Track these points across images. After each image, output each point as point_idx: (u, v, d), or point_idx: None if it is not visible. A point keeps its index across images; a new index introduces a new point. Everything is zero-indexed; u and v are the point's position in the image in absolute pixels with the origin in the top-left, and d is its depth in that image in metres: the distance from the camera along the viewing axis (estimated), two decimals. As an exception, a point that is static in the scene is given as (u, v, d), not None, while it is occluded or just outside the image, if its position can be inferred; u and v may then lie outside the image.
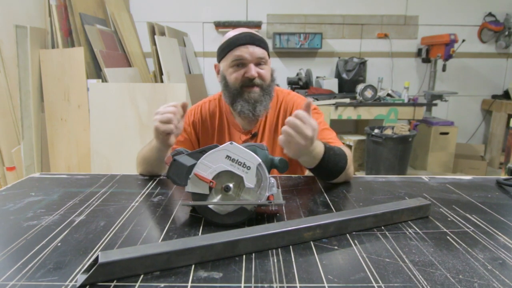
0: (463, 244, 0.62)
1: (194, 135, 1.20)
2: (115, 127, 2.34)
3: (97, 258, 0.50)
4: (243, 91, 1.08)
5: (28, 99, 2.42)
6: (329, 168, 0.89)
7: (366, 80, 3.45)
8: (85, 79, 2.43)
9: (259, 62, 1.07)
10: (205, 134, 1.20)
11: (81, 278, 0.50)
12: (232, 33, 1.08)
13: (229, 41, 1.07)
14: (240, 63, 1.06)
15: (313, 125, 0.79)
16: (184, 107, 0.94)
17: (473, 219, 0.73)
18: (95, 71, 2.65)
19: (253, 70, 1.05)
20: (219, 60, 1.12)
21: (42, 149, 2.55)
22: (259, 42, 1.06)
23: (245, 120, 1.14)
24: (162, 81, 2.60)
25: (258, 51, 1.05)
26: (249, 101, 1.08)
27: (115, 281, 0.51)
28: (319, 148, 0.85)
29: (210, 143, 1.18)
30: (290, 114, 1.14)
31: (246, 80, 1.06)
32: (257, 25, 3.47)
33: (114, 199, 0.83)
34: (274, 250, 0.59)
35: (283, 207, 0.78)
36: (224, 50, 1.08)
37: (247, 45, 1.04)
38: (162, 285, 0.50)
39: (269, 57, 1.13)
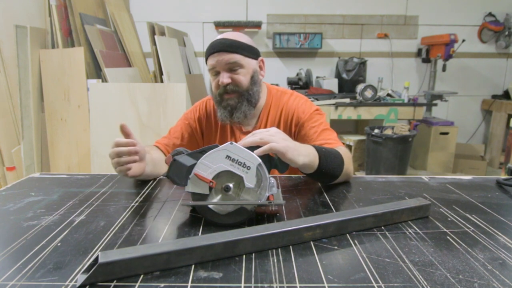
0: (463, 244, 0.62)
1: (199, 130, 1.20)
2: (115, 127, 2.32)
3: (97, 258, 0.50)
4: (222, 98, 1.08)
5: (28, 99, 2.42)
6: (327, 172, 0.87)
7: (366, 80, 3.45)
8: (85, 79, 2.44)
9: (231, 68, 1.05)
10: (209, 130, 1.20)
11: (81, 278, 0.50)
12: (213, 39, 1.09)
13: (206, 50, 1.08)
14: (215, 71, 1.07)
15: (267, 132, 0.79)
16: (122, 130, 0.89)
17: (473, 219, 0.73)
18: (95, 71, 2.65)
19: (223, 77, 1.05)
20: None
21: (42, 149, 2.55)
22: (229, 48, 1.04)
23: (245, 120, 1.14)
24: (162, 81, 2.61)
25: (227, 58, 1.04)
26: (226, 108, 1.08)
27: (115, 281, 0.51)
28: (312, 155, 0.83)
29: (213, 140, 1.19)
30: (291, 120, 1.14)
31: (222, 88, 1.07)
32: (257, 25, 3.47)
33: (114, 199, 0.83)
34: (274, 250, 0.59)
35: (283, 207, 0.78)
36: (205, 60, 1.10)
37: (216, 53, 1.04)
38: (162, 285, 0.50)
39: (256, 58, 1.10)
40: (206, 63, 1.11)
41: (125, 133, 0.87)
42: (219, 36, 1.08)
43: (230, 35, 1.07)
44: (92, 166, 2.37)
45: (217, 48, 1.04)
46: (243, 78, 1.07)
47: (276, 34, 3.46)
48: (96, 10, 2.94)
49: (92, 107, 2.36)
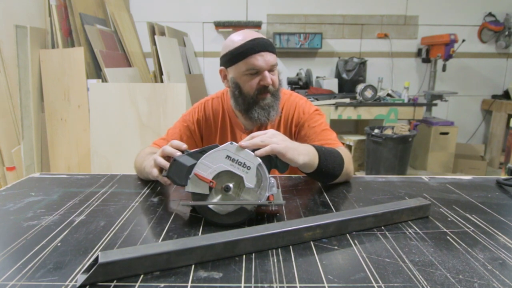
0: (463, 244, 0.62)
1: (198, 133, 1.19)
2: (115, 127, 2.34)
3: (97, 258, 0.51)
4: (258, 98, 1.07)
5: (28, 99, 2.42)
6: (327, 171, 0.87)
7: (366, 80, 3.45)
8: (85, 79, 2.44)
9: (271, 69, 1.06)
10: (208, 132, 1.19)
11: (81, 278, 0.50)
12: (238, 37, 1.04)
13: (242, 48, 1.02)
14: (256, 71, 1.05)
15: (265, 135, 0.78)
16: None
17: (473, 219, 0.73)
18: (95, 71, 2.65)
19: (269, 78, 1.04)
20: (228, 66, 1.08)
21: (42, 149, 2.55)
22: (271, 48, 1.05)
23: (248, 120, 1.13)
24: (162, 81, 2.61)
25: (272, 58, 1.04)
26: (265, 108, 1.08)
27: (115, 281, 0.51)
28: (312, 154, 0.83)
29: (213, 141, 1.19)
30: (291, 120, 1.15)
31: (261, 88, 1.06)
32: (257, 25, 3.47)
33: (114, 199, 0.83)
34: (274, 250, 0.59)
35: (283, 207, 0.78)
36: (236, 57, 1.04)
37: (262, 53, 1.03)
38: (162, 285, 0.50)
39: None
40: (235, 62, 1.05)
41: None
42: (254, 36, 1.04)
43: (260, 34, 1.07)
44: (92, 166, 2.37)
45: (263, 47, 1.03)
46: (277, 79, 1.08)
47: (276, 34, 3.46)
48: (96, 10, 2.94)
49: (92, 107, 2.36)
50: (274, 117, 1.09)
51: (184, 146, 0.79)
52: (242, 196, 0.69)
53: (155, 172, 0.82)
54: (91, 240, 0.62)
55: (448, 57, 3.26)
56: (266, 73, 1.04)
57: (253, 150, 0.71)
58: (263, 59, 1.03)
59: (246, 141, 0.75)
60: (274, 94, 1.08)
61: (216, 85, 3.59)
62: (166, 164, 0.78)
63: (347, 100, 3.05)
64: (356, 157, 3.18)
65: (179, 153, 0.77)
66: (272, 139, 0.75)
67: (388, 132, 2.83)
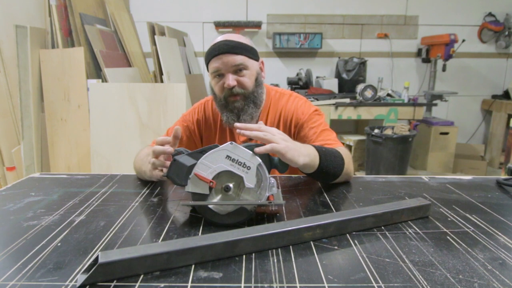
0: (463, 244, 0.62)
1: (198, 133, 1.19)
2: (115, 127, 2.34)
3: (97, 258, 0.51)
4: (227, 101, 1.07)
5: (28, 99, 2.42)
6: (328, 172, 0.87)
7: (366, 80, 3.45)
8: (85, 79, 2.44)
9: (237, 70, 1.04)
10: (208, 132, 1.19)
11: (81, 278, 0.50)
12: (214, 41, 1.07)
13: (207, 52, 1.06)
14: (219, 74, 1.05)
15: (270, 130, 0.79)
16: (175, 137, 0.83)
17: (473, 219, 0.73)
18: (95, 71, 2.65)
19: (229, 80, 1.03)
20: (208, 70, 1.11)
21: (42, 149, 2.55)
22: (234, 49, 1.03)
23: (251, 122, 1.13)
24: (162, 81, 2.60)
25: (233, 59, 1.02)
26: (233, 111, 1.07)
27: (115, 281, 0.51)
28: (313, 154, 0.83)
29: (212, 141, 1.19)
30: (290, 121, 1.14)
31: (227, 90, 1.05)
32: (257, 25, 3.47)
33: (114, 199, 0.83)
34: (274, 250, 0.59)
35: (283, 207, 0.78)
36: (205, 61, 1.08)
37: (221, 55, 1.02)
38: (162, 285, 0.50)
39: (258, 59, 1.10)
40: (207, 66, 1.09)
41: (173, 136, 0.81)
42: (220, 38, 1.06)
43: (232, 36, 1.06)
44: (92, 166, 2.37)
45: (221, 50, 1.03)
46: (248, 80, 1.06)
47: (276, 34, 3.46)
48: (96, 10, 2.94)
49: (92, 107, 2.36)
50: (246, 121, 1.07)
51: (169, 139, 0.79)
52: (242, 196, 0.69)
53: (156, 173, 0.84)
54: (91, 240, 0.62)
55: (448, 57, 3.26)
56: (228, 75, 1.03)
57: (254, 148, 0.71)
58: (221, 61, 1.03)
59: (249, 128, 0.75)
60: (246, 97, 1.06)
61: (216, 85, 3.59)
62: (163, 163, 0.81)
63: (347, 100, 3.05)
64: (356, 157, 3.18)
65: (170, 149, 0.78)
66: (274, 137, 0.75)
67: (388, 132, 2.83)
